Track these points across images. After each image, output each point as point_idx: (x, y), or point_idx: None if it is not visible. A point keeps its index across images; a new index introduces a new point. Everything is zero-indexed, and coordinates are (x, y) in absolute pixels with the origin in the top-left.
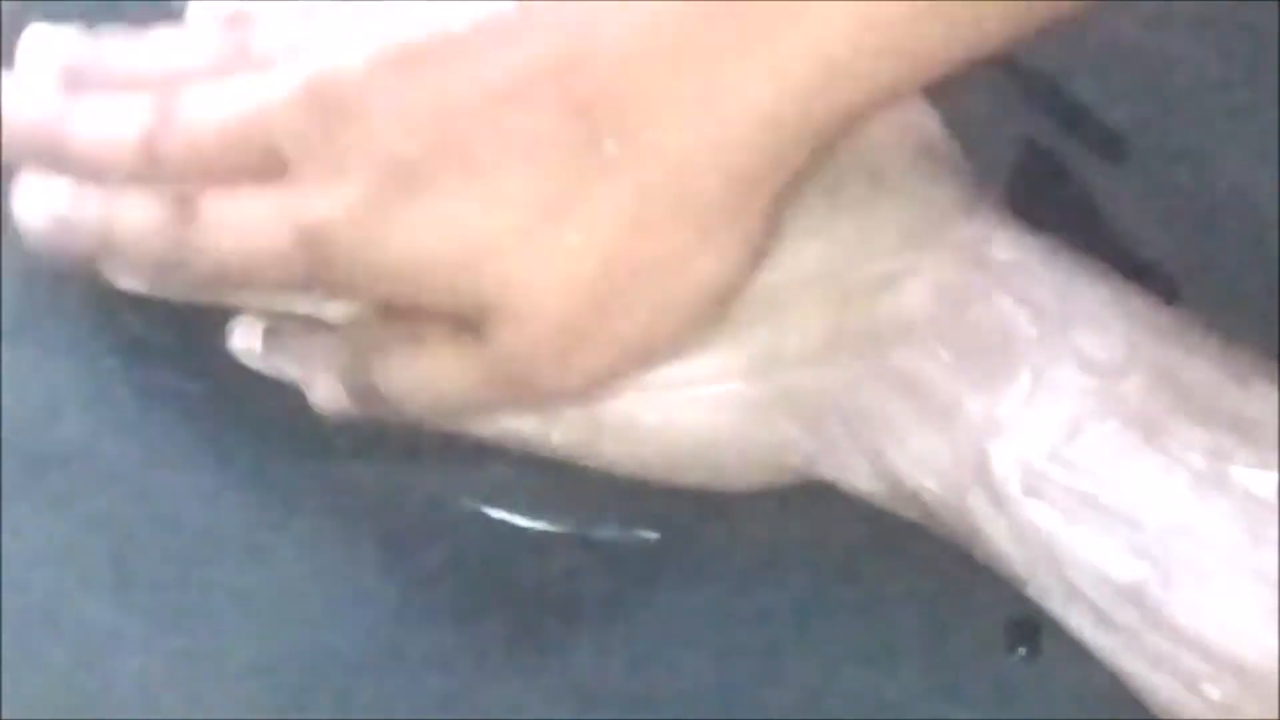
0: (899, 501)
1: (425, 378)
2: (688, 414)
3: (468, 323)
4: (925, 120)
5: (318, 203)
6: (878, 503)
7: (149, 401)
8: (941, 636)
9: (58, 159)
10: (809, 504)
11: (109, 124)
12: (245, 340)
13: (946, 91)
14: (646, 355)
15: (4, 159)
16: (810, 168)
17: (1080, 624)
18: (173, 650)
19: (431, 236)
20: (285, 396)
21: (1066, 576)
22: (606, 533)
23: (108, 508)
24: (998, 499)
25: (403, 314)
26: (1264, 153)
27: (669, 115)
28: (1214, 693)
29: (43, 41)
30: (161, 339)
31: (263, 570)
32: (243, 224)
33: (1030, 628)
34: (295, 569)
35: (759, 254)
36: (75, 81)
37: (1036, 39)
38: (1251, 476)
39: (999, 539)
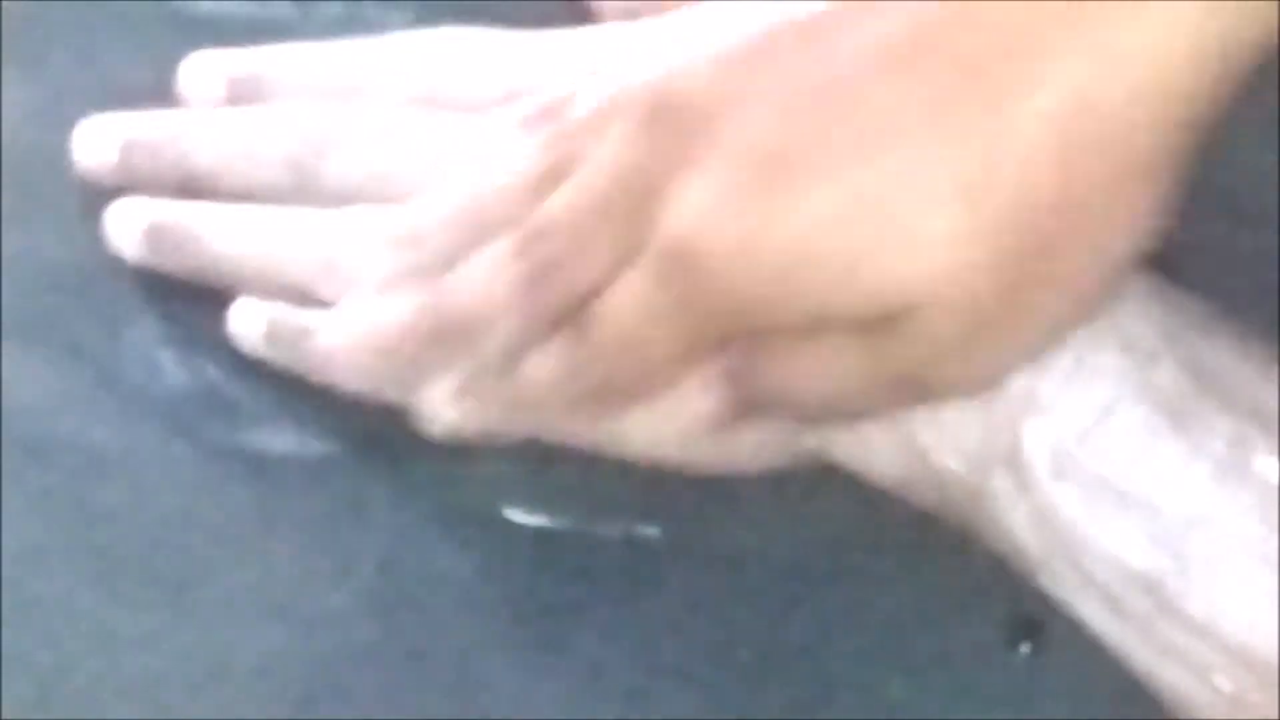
0: (913, 483)
1: (818, 378)
2: None
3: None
4: None
5: (679, 219)
6: (888, 485)
7: (149, 398)
8: (944, 633)
9: None
10: (811, 501)
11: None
12: (246, 325)
13: None
14: (1047, 343)
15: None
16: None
17: (1092, 612)
18: (173, 649)
19: (818, 232)
20: (287, 393)
21: (1082, 562)
22: (609, 529)
23: (107, 505)
24: (1023, 481)
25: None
26: (1267, 147)
27: (1071, 60)
28: (1225, 684)
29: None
30: (163, 334)
31: (263, 568)
32: (596, 260)
33: (1033, 625)
34: (296, 566)
35: (1159, 220)
36: None
37: None
38: (1271, 466)
39: (1017, 522)
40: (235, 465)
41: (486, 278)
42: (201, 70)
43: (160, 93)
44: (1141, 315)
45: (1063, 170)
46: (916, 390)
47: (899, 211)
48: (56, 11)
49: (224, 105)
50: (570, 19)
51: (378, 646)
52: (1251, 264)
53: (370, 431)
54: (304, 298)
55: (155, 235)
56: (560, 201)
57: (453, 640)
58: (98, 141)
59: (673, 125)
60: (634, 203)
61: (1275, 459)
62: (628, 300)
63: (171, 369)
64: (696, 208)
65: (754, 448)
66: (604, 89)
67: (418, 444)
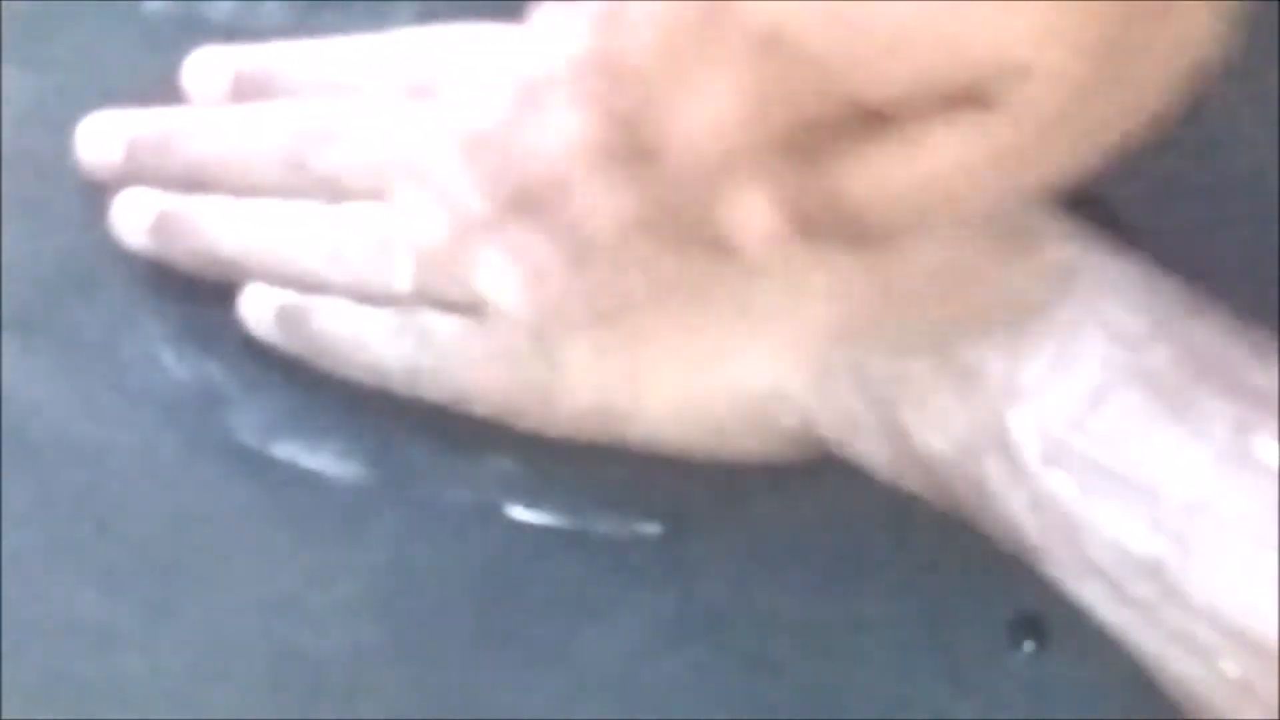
0: (905, 467)
1: (928, 170)
2: (697, 370)
3: (958, 100)
4: None
5: (767, 6)
6: (878, 470)
7: (151, 396)
8: (947, 632)
9: None
10: (812, 498)
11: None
12: (257, 311)
13: None
14: (1134, 129)
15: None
16: None
17: (1095, 599)
18: (173, 647)
19: (918, 10)
20: (287, 390)
21: (1083, 549)
22: (608, 527)
23: (109, 502)
24: (1016, 467)
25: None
26: (1272, 144)
27: None
28: (1231, 669)
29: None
30: (165, 332)
31: (264, 566)
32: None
33: (1036, 623)
34: (298, 564)
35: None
36: None
37: None
38: (1273, 450)
39: (1015, 509)
40: (237, 463)
41: (560, 138)
42: (206, 67)
43: (160, 91)
44: (1127, 303)
45: None
46: (1015, 170)
47: None
48: (56, 11)
49: (228, 102)
50: None
51: (378, 644)
52: (1250, 259)
53: (373, 428)
54: (309, 287)
55: (162, 225)
56: (627, 43)
57: (453, 638)
58: (101, 139)
59: None
60: (704, 10)
61: (1276, 442)
62: (709, 106)
63: (174, 366)
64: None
65: (752, 434)
66: None
67: (419, 440)
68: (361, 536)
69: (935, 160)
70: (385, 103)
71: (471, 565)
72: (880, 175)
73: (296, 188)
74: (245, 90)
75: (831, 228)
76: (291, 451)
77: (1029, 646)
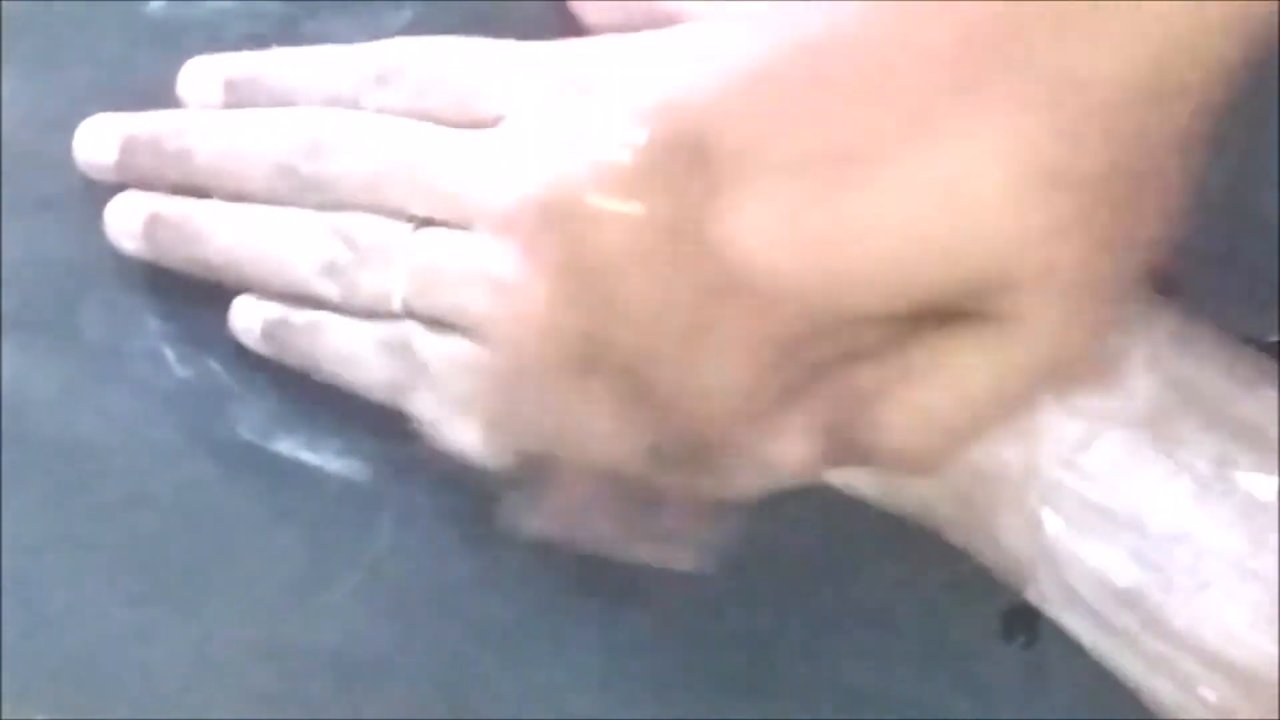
0: (901, 502)
1: (951, 398)
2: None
3: (960, 318)
4: None
5: (740, 247)
6: (878, 503)
7: (152, 394)
8: (939, 626)
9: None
10: (809, 493)
11: None
12: (246, 323)
13: None
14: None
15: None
16: None
17: (1079, 627)
18: (174, 645)
19: (897, 219)
20: (288, 387)
21: (1067, 581)
22: None
23: (109, 501)
24: (1014, 507)
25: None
26: (1265, 150)
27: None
28: (1211, 696)
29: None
30: (166, 330)
31: (263, 563)
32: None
33: (1028, 617)
34: (296, 561)
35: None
36: None
37: None
38: (1254, 481)
39: (1006, 543)
40: (238, 460)
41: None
42: (200, 74)
43: (160, 93)
44: (1124, 335)
45: (1138, 126)
46: (1045, 374)
47: (977, 185)
48: (56, 12)
49: (221, 108)
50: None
51: (378, 641)
52: (1252, 266)
53: (373, 425)
54: (298, 298)
55: (153, 229)
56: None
57: (452, 636)
58: (97, 139)
59: (703, 160)
60: (670, 257)
61: (1257, 475)
62: (721, 372)
63: (174, 364)
64: (756, 231)
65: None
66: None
67: (420, 437)
68: (361, 533)
69: (968, 384)
70: (378, 113)
71: (470, 563)
72: (915, 407)
73: (287, 196)
74: (239, 97)
75: (868, 457)
76: (292, 448)
77: (1020, 640)
